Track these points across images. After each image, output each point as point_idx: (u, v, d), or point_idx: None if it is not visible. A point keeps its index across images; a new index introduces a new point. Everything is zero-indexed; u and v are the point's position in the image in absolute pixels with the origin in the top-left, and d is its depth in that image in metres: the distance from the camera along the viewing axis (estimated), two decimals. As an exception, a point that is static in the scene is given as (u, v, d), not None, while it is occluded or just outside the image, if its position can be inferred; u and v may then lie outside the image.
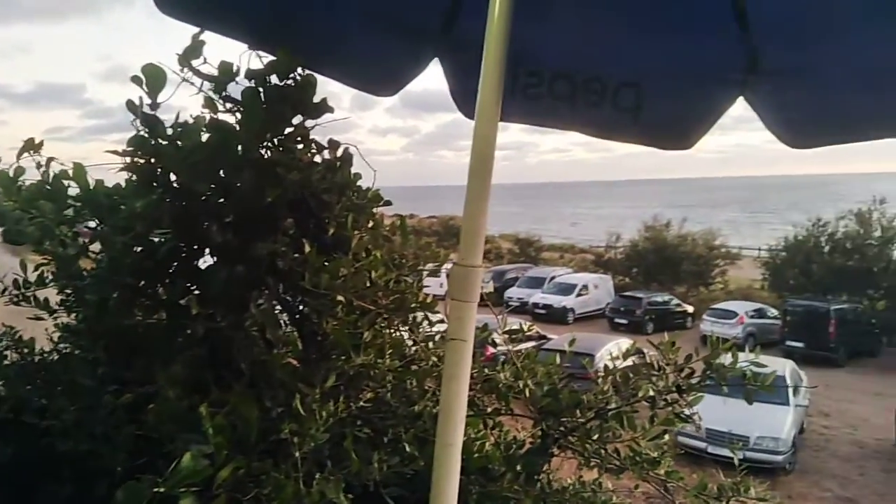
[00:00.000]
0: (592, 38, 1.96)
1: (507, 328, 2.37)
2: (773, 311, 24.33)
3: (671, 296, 27.50)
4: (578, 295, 27.78)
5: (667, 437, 1.83)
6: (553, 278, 29.75)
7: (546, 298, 27.64)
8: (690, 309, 27.03)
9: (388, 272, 1.69)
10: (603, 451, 1.81)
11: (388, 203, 2.03)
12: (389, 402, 1.77)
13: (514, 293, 29.51)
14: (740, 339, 22.41)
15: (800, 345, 20.83)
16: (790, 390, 13.09)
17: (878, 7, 1.55)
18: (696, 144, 2.10)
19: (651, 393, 1.74)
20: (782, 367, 13.99)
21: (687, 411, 1.76)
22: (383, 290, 1.65)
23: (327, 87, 2.01)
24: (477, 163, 1.42)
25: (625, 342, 14.18)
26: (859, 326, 22.16)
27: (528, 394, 1.84)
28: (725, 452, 12.25)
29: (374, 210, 1.98)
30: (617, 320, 25.05)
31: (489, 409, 1.99)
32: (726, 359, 1.78)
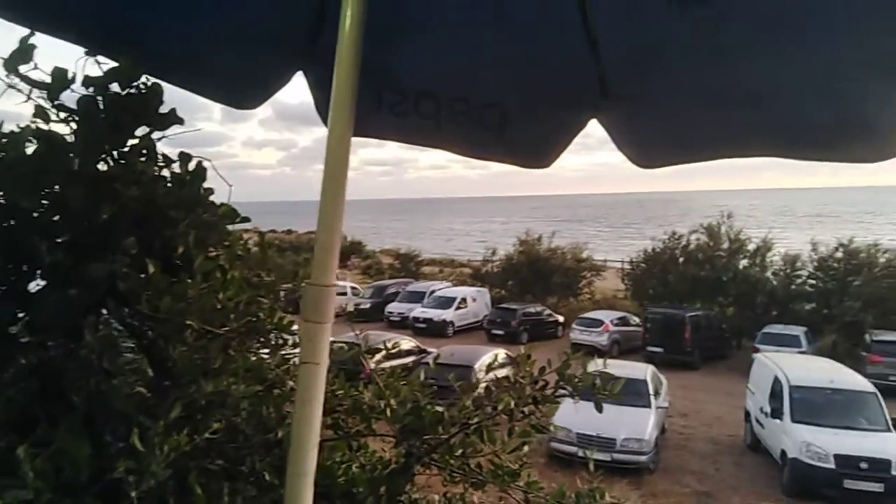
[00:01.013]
0: (455, 60, 1.98)
1: (375, 345, 2.32)
2: (636, 319, 25.93)
3: (544, 307, 28.62)
4: (457, 308, 28.24)
5: (526, 448, 1.87)
6: (433, 292, 30.05)
7: (426, 312, 27.86)
8: (561, 319, 28.28)
9: (240, 292, 1.60)
10: (466, 467, 1.81)
11: (246, 219, 1.94)
12: (244, 431, 1.68)
13: (394, 308, 29.53)
14: (606, 345, 23.73)
15: (660, 350, 22.33)
16: (651, 392, 13.96)
17: (708, 36, 1.67)
18: (556, 163, 2.18)
19: (511, 406, 1.77)
20: (644, 371, 14.92)
21: (543, 422, 1.81)
22: (234, 313, 1.56)
23: (197, 99, 1.88)
24: (329, 179, 1.38)
25: (501, 352, 14.63)
26: (711, 331, 24.14)
27: (388, 413, 1.81)
28: (596, 455, 12.92)
29: (231, 227, 1.88)
30: (494, 332, 25.68)
31: (353, 431, 1.94)
32: (577, 369, 1.84)
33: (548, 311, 28.31)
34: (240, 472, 1.73)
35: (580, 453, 12.57)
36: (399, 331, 23.44)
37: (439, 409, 1.84)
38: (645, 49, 1.80)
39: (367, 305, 30.47)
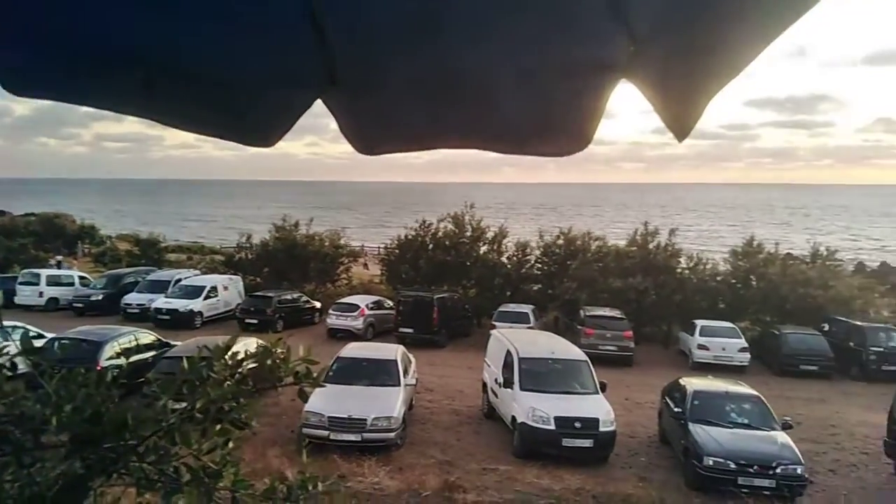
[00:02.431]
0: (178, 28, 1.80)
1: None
2: (389, 303, 26.85)
3: (301, 293, 28.27)
4: (206, 297, 26.58)
5: (231, 444, 1.77)
6: (178, 281, 27.91)
7: (171, 303, 25.78)
8: (318, 305, 28.20)
9: None
10: (162, 473, 1.66)
11: None
12: None
13: (133, 299, 26.85)
14: (361, 329, 24.25)
15: (410, 330, 23.45)
16: (401, 371, 14.54)
17: (427, 30, 1.70)
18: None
19: (208, 400, 1.65)
20: (394, 351, 15.50)
21: (245, 418, 1.72)
22: None
23: None
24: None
25: (252, 342, 14.04)
26: (457, 312, 25.92)
27: (55, 422, 1.58)
28: (347, 437, 13.15)
29: None
30: (248, 320, 24.67)
31: (26, 445, 1.66)
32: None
33: (305, 298, 28.02)
34: None
35: (331, 436, 12.72)
36: (138, 324, 21.34)
37: (123, 411, 1.64)
38: (369, 38, 1.80)
39: (100, 297, 27.28)
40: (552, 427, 12.89)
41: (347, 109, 2.01)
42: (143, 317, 25.06)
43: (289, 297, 27.01)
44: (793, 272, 26.63)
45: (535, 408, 13.13)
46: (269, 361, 1.71)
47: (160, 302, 25.86)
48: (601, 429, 12.98)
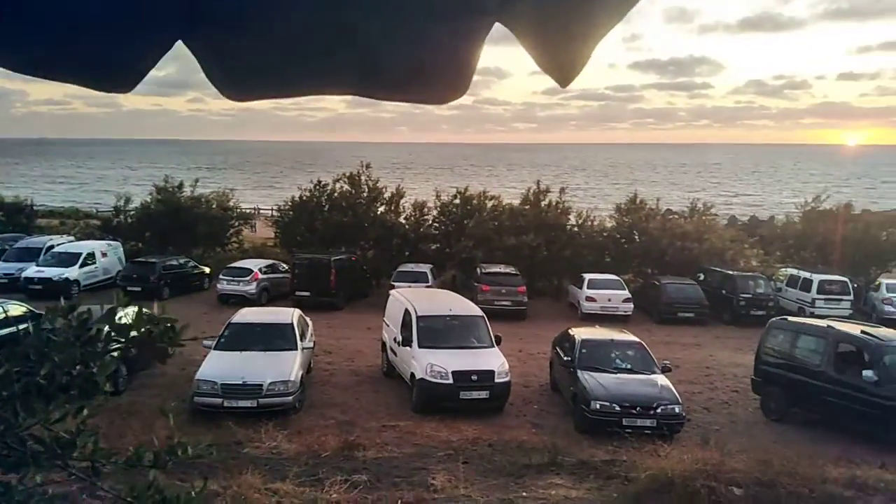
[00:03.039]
0: None
1: None
2: (285, 266, 26.20)
3: (188, 258, 27.00)
4: (83, 265, 24.83)
5: (86, 412, 1.61)
6: (51, 248, 25.88)
7: (43, 272, 23.89)
8: (207, 270, 27.09)
9: None
10: (5, 445, 1.48)
11: None
12: None
13: (-1, 268, 24.68)
14: (255, 293, 23.56)
15: (307, 294, 23.04)
16: (297, 335, 14.28)
17: None
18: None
19: (53, 366, 1.48)
20: (290, 315, 15.17)
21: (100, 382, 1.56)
22: None
23: None
24: None
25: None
26: (354, 273, 25.70)
27: None
28: (242, 403, 12.83)
29: None
30: (130, 288, 23.26)
31: None
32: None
33: (192, 263, 26.82)
34: None
35: (225, 403, 12.37)
36: (7, 295, 19.64)
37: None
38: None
39: (-42, 267, 24.87)
40: (450, 381, 13.14)
41: (212, 52, 1.84)
42: (13, 287, 23.10)
43: (174, 262, 25.74)
44: (671, 226, 28.30)
45: (433, 363, 13.32)
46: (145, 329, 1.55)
47: (31, 271, 23.92)
48: (496, 380, 13.37)
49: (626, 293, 23.83)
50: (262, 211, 43.74)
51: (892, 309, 23.50)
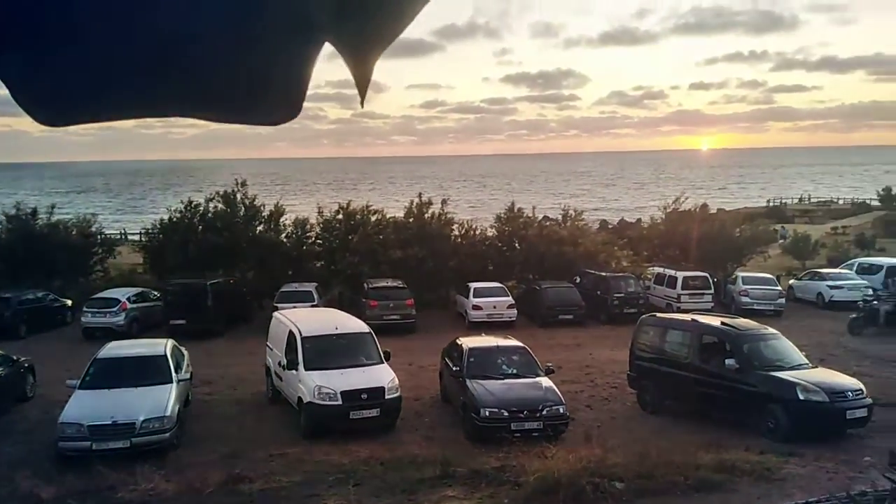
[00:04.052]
0: None
1: None
2: (156, 294, 24.70)
3: (47, 291, 24.81)
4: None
5: None
6: None
7: None
8: (69, 302, 25.04)
9: None
10: None
11: None
12: None
13: None
14: (124, 325, 22.02)
15: (182, 321, 21.78)
16: (172, 366, 13.45)
17: None
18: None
19: None
20: (162, 346, 14.28)
21: None
22: None
23: None
24: None
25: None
26: (234, 297, 24.67)
27: None
28: (113, 445, 11.86)
29: None
30: (-21, 328, 21.06)
31: None
32: None
33: (52, 296, 24.68)
34: None
35: (94, 447, 11.43)
36: None
37: None
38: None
39: None
40: (339, 402, 12.86)
41: (17, 73, 1.64)
42: None
43: (32, 296, 23.60)
44: (548, 233, 29.45)
45: (320, 385, 12.98)
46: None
47: None
48: (387, 396, 13.25)
49: (509, 300, 24.47)
50: (129, 236, 41.08)
51: (748, 300, 25.64)
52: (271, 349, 15.78)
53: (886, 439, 11.40)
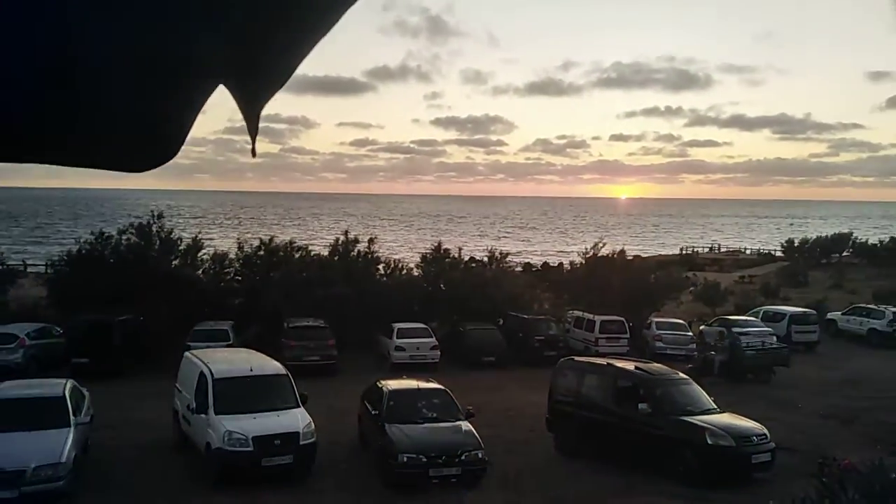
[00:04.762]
0: None
1: None
2: (59, 330, 23.22)
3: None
4: None
5: None
6: None
7: None
8: (-41, 339, 23.12)
9: None
10: None
11: None
12: None
13: None
14: (21, 363, 20.54)
15: (86, 360, 20.48)
16: (70, 409, 12.59)
17: None
18: None
19: None
20: (61, 387, 13.38)
21: None
22: None
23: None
24: None
25: None
26: (143, 335, 23.47)
27: None
28: (0, 495, 10.91)
29: None
30: None
31: None
32: None
33: (-62, 332, 22.71)
34: None
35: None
36: None
37: None
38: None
39: None
40: (250, 448, 12.33)
41: None
42: None
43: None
44: (473, 274, 29.72)
45: (231, 431, 12.42)
46: None
47: None
48: (302, 442, 12.81)
49: (433, 341, 24.35)
50: (30, 268, 38.66)
51: (661, 345, 26.53)
52: (180, 391, 15.05)
53: (788, 484, 11.84)
